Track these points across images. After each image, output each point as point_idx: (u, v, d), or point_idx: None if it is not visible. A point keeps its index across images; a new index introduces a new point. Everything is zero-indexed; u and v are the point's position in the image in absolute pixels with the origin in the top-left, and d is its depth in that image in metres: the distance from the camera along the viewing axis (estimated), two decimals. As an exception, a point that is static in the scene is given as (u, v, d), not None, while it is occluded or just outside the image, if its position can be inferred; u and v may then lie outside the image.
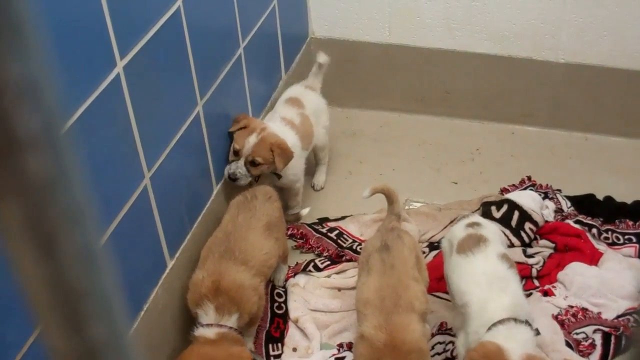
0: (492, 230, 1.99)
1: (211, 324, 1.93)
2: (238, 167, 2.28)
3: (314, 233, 2.52)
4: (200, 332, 1.93)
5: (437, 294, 2.25)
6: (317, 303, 2.26)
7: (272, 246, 2.16)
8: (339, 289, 2.32)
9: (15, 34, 0.29)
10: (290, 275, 2.35)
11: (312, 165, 2.73)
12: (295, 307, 2.24)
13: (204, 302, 1.95)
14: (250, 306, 1.99)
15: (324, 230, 2.53)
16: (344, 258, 2.41)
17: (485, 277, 1.82)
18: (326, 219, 2.59)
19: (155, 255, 1.98)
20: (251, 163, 2.28)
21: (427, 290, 2.08)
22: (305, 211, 2.50)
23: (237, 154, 2.28)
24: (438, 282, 2.28)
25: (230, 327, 1.94)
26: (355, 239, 2.48)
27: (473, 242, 1.91)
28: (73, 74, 1.51)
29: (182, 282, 2.05)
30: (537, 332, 1.81)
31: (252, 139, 2.27)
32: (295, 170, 2.45)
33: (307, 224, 2.55)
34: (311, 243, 2.48)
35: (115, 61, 1.66)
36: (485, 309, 1.76)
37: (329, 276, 2.36)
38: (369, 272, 1.93)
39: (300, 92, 2.61)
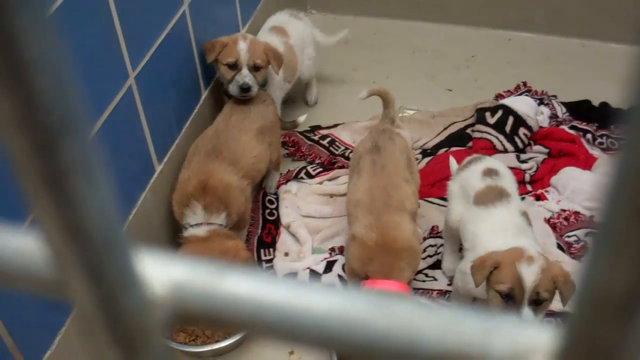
0: (510, 179, 1.85)
1: (200, 223, 1.90)
2: (245, 76, 2.14)
3: (306, 141, 2.47)
4: (190, 232, 1.90)
5: (430, 199, 2.23)
6: (309, 209, 2.24)
7: (264, 150, 2.11)
8: (331, 196, 2.29)
9: None
10: (282, 182, 2.32)
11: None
12: (287, 213, 2.21)
13: (190, 201, 1.91)
14: (238, 206, 1.96)
15: (316, 138, 2.48)
16: (336, 165, 2.38)
17: (504, 226, 1.70)
18: (318, 127, 2.54)
19: (143, 160, 1.94)
20: (253, 68, 2.16)
21: (420, 195, 2.06)
22: (302, 118, 2.45)
23: (234, 66, 2.15)
24: (430, 188, 2.26)
25: (220, 225, 1.91)
26: (348, 146, 2.44)
27: (494, 195, 1.76)
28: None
29: (170, 186, 2.02)
30: None
31: (243, 46, 2.16)
32: (275, 95, 2.35)
33: (299, 132, 2.50)
34: (303, 150, 2.44)
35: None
36: (493, 246, 1.63)
37: (320, 183, 2.33)
38: (360, 173, 1.90)
39: (285, 20, 2.49)
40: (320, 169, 2.37)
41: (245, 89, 2.14)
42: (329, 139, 2.48)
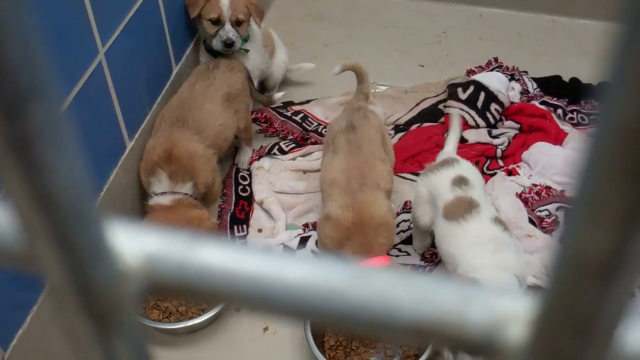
0: (479, 187, 1.81)
1: (165, 192, 1.89)
2: (229, 32, 2.18)
3: (279, 117, 2.45)
4: (155, 200, 1.89)
5: (402, 174, 2.23)
6: (282, 185, 2.23)
7: (230, 118, 2.10)
8: (304, 172, 2.28)
9: None
10: (254, 158, 2.31)
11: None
12: (260, 190, 2.21)
13: (156, 170, 1.90)
14: (204, 175, 1.95)
15: (289, 114, 2.47)
16: (309, 141, 2.37)
17: (480, 240, 1.66)
18: (291, 103, 2.53)
19: (114, 137, 1.91)
20: (236, 23, 2.20)
21: (393, 171, 2.06)
22: (278, 95, 2.44)
23: (217, 22, 2.18)
24: (403, 164, 2.26)
25: (186, 194, 1.90)
26: (321, 122, 2.43)
27: (464, 208, 1.72)
28: None
29: (140, 161, 1.99)
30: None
31: (225, 1, 2.18)
32: (255, 59, 2.35)
33: (271, 108, 2.48)
34: (275, 126, 2.42)
35: None
36: (476, 268, 1.60)
37: (294, 159, 2.32)
38: (335, 152, 1.89)
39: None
40: (293, 145, 2.36)
41: (229, 44, 2.18)
42: (301, 114, 2.47)
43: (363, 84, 2.10)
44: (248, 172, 2.28)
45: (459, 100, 2.39)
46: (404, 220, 2.09)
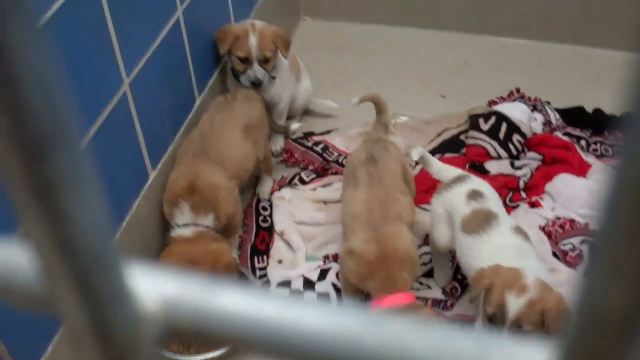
0: (494, 198, 1.83)
1: (188, 224, 1.90)
2: (257, 72, 2.25)
3: (299, 147, 2.47)
4: (177, 232, 1.90)
5: (424, 206, 2.22)
6: (303, 216, 2.23)
7: (250, 149, 2.12)
8: (325, 202, 2.29)
9: None
10: (275, 189, 2.32)
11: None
12: (281, 220, 2.21)
13: (179, 201, 1.91)
14: (226, 207, 1.95)
15: (310, 144, 2.48)
16: (329, 171, 2.37)
17: (502, 250, 1.68)
18: (311, 133, 2.54)
19: (137, 166, 1.93)
20: (264, 61, 2.25)
21: (414, 203, 2.05)
22: (295, 126, 2.45)
23: (246, 61, 2.25)
24: (424, 195, 2.25)
25: (208, 227, 1.91)
26: (342, 153, 2.44)
27: (483, 220, 1.74)
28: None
29: (163, 192, 2.01)
30: None
31: (254, 41, 2.23)
32: (282, 85, 2.38)
33: (292, 139, 2.50)
34: (296, 157, 2.43)
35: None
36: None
37: (314, 189, 2.32)
38: (357, 185, 1.90)
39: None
40: (314, 176, 2.36)
41: (256, 84, 2.26)
42: (322, 145, 2.48)
43: (382, 115, 2.11)
44: (269, 203, 2.28)
45: (480, 131, 2.39)
46: (426, 253, 2.08)
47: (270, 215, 2.24)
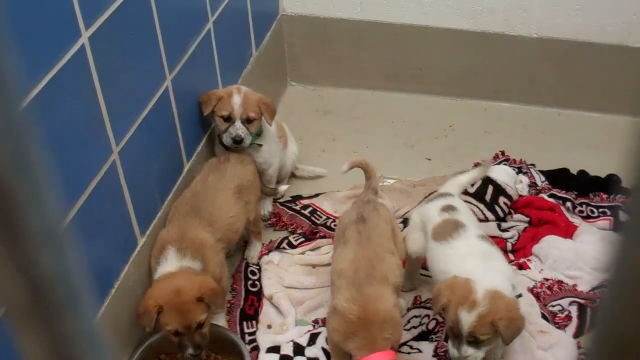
0: (466, 213, 2.01)
1: (172, 263, 1.90)
2: (238, 129, 2.26)
3: (287, 211, 2.49)
4: (159, 272, 1.89)
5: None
6: (292, 280, 2.24)
7: (241, 210, 2.15)
8: (314, 266, 2.30)
9: None
10: (264, 252, 2.33)
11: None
12: (270, 284, 2.22)
13: (165, 248, 1.92)
14: (213, 265, 1.96)
15: (297, 208, 2.51)
16: (318, 235, 2.40)
17: (470, 255, 1.83)
18: (299, 197, 2.57)
19: (126, 233, 1.95)
20: (246, 121, 2.27)
21: (403, 264, 2.07)
22: (283, 188, 2.49)
23: (228, 119, 2.27)
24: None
25: (193, 268, 1.90)
26: (330, 216, 2.47)
27: (451, 228, 1.90)
28: (36, 44, 1.47)
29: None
30: (519, 295, 1.84)
31: (237, 100, 2.27)
32: (270, 152, 2.42)
33: (279, 202, 2.53)
34: (284, 220, 2.46)
35: (80, 31, 1.62)
36: (470, 272, 1.77)
37: (303, 253, 2.34)
38: (346, 243, 1.93)
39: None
40: (303, 239, 2.39)
41: (237, 140, 2.26)
42: (310, 208, 2.51)
43: (371, 179, 2.15)
44: (257, 267, 2.29)
45: (467, 193, 2.43)
46: (415, 316, 2.09)
47: (259, 280, 2.26)
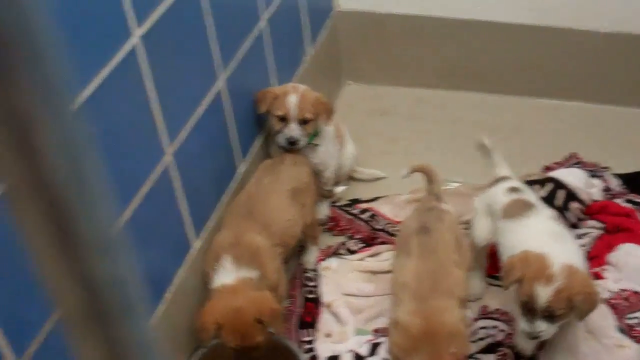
0: (531, 194, 2.05)
1: (229, 274, 1.88)
2: (293, 130, 2.24)
3: (345, 215, 2.46)
4: (217, 282, 1.88)
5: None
6: (351, 287, 2.21)
7: (297, 213, 2.13)
8: (373, 273, 2.27)
9: None
10: (321, 258, 2.31)
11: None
12: (328, 291, 2.19)
13: (221, 256, 1.91)
14: (270, 272, 1.94)
15: (356, 212, 2.47)
16: (377, 240, 2.36)
17: (543, 234, 1.86)
18: (357, 200, 2.54)
19: (180, 236, 1.95)
20: (302, 122, 2.25)
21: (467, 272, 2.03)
22: (340, 189, 2.47)
23: (283, 119, 2.25)
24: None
25: (252, 279, 1.89)
26: (390, 221, 2.43)
27: (522, 207, 1.94)
28: (87, 44, 1.47)
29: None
30: None
31: (293, 99, 2.24)
32: (327, 153, 2.39)
33: (337, 206, 2.50)
34: (342, 225, 2.43)
35: (131, 30, 1.62)
36: (543, 249, 1.78)
37: (362, 259, 2.31)
38: (408, 255, 1.89)
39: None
40: (361, 245, 2.35)
41: (292, 142, 2.24)
42: (369, 213, 2.47)
43: (433, 184, 2.10)
44: (315, 273, 2.27)
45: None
46: (482, 328, 2.03)
47: (316, 286, 2.23)
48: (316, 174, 2.40)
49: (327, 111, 2.30)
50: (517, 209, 1.93)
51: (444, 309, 1.75)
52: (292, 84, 2.38)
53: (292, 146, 2.25)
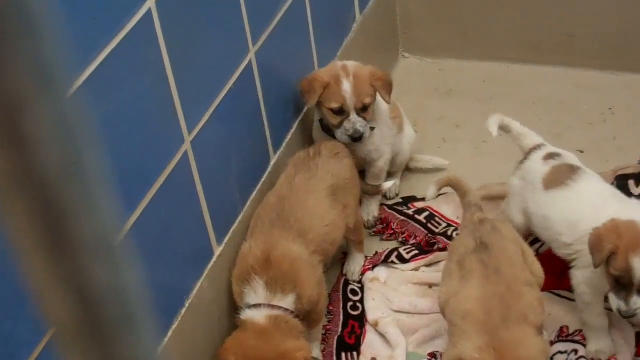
0: (574, 158, 2.15)
1: (260, 304, 1.92)
2: (356, 123, 2.28)
3: (398, 216, 2.48)
4: (247, 314, 1.92)
5: (556, 291, 2.18)
6: (403, 302, 2.23)
7: (338, 215, 2.15)
8: (430, 286, 2.28)
9: None
10: (367, 267, 2.33)
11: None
12: (375, 307, 2.21)
13: (251, 277, 1.94)
14: (309, 289, 1.97)
15: (410, 212, 2.49)
16: (435, 246, 2.37)
17: (603, 197, 1.96)
18: (413, 198, 2.55)
19: (200, 241, 1.98)
20: (362, 109, 2.29)
21: (543, 286, 2.03)
22: (388, 184, 2.47)
23: (341, 112, 2.28)
24: (557, 278, 2.21)
25: (286, 310, 1.92)
26: (451, 223, 2.43)
27: (567, 172, 2.04)
28: (93, 10, 1.51)
29: (231, 271, 2.05)
30: None
31: (347, 87, 2.27)
32: (382, 137, 2.41)
33: (388, 205, 2.52)
34: (394, 228, 2.44)
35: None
36: (610, 216, 1.87)
37: (417, 269, 2.32)
38: (466, 278, 1.88)
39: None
40: (416, 252, 2.36)
41: (356, 138, 2.28)
42: (426, 213, 2.48)
43: (467, 196, 2.11)
44: (359, 285, 2.29)
45: (630, 194, 2.34)
46: (561, 352, 2.04)
47: (361, 301, 2.25)
48: (366, 164, 2.42)
49: (386, 86, 2.32)
50: (563, 176, 2.01)
51: (519, 341, 1.75)
52: (340, 62, 2.38)
53: (354, 141, 2.29)
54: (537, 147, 2.16)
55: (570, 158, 2.12)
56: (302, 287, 1.96)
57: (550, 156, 2.11)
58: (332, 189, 2.16)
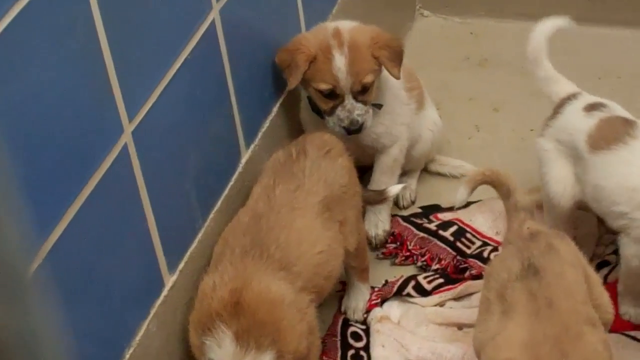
0: (621, 109, 2.17)
1: None
2: (353, 109, 2.28)
3: (416, 231, 2.49)
4: None
5: (627, 332, 2.21)
6: (423, 350, 2.23)
7: (333, 238, 2.13)
8: (460, 327, 2.29)
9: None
10: (374, 303, 2.34)
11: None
12: (385, 357, 2.22)
13: (215, 325, 1.91)
14: (294, 342, 1.95)
15: (433, 227, 2.50)
16: (467, 273, 2.38)
17: None
18: (436, 207, 2.56)
19: (145, 267, 1.98)
20: (362, 91, 2.29)
21: (613, 327, 2.04)
22: (396, 189, 2.45)
23: (333, 95, 2.29)
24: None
25: None
26: (488, 241, 2.45)
27: (619, 127, 2.07)
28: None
29: (187, 310, 2.05)
30: None
31: (341, 61, 2.27)
32: (393, 117, 2.43)
33: (402, 216, 2.53)
34: (410, 248, 2.45)
35: None
36: None
37: (441, 304, 2.33)
38: (508, 313, 1.89)
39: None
40: (441, 280, 2.37)
41: (353, 130, 2.29)
42: (454, 227, 2.49)
43: (511, 196, 2.10)
44: (364, 327, 2.30)
45: None
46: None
47: (366, 349, 2.26)
48: (376, 154, 2.44)
49: (395, 56, 2.32)
50: (613, 132, 2.04)
51: None
52: (332, 25, 2.38)
53: (353, 133, 2.30)
54: (571, 97, 2.21)
55: (618, 109, 2.15)
56: (285, 340, 1.94)
57: (593, 107, 2.14)
58: (325, 203, 2.14)
